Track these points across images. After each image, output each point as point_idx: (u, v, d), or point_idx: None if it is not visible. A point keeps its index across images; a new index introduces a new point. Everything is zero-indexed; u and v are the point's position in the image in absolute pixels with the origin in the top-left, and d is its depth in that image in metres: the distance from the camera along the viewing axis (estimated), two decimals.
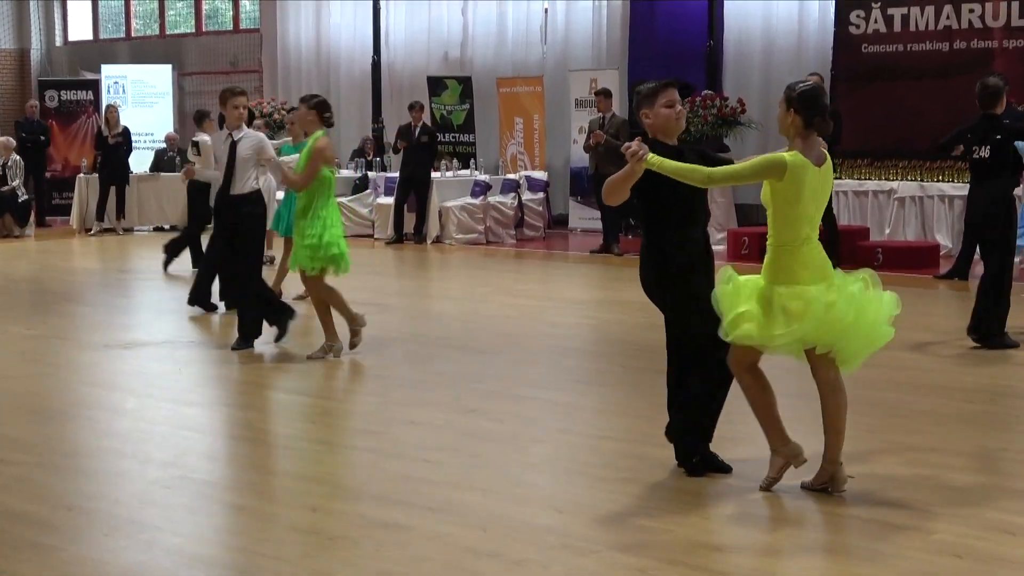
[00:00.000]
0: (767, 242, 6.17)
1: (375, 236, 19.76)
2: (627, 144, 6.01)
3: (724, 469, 6.53)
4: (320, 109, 9.96)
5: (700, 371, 6.42)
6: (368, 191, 20.30)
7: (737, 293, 6.10)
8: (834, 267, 6.13)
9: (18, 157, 21.27)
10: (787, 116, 6.11)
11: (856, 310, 6.02)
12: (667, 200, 6.34)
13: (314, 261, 9.80)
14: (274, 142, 17.10)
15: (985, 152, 10.45)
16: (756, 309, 6.03)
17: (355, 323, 10.10)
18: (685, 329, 6.43)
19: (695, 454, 6.52)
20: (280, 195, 16.52)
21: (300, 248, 9.84)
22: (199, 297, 12.36)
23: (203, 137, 15.33)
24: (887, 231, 17.26)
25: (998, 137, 10.43)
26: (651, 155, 5.96)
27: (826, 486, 6.15)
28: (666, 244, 6.40)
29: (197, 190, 14.19)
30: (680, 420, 6.54)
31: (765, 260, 6.15)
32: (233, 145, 10.14)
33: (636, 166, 5.96)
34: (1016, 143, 10.56)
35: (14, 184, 20.73)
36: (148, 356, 10.33)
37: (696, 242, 6.47)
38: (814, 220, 6.10)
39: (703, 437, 6.54)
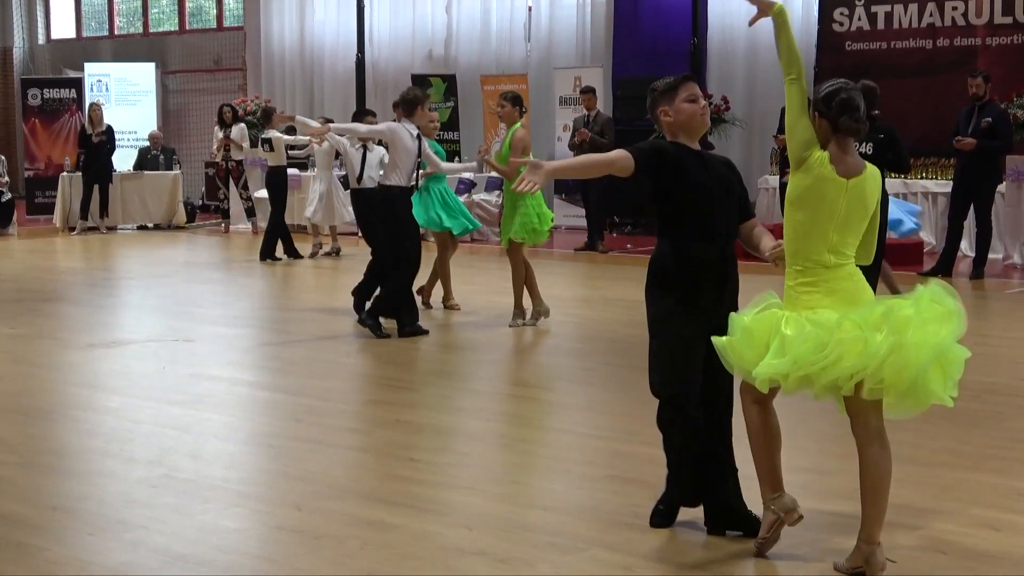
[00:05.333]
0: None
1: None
2: None
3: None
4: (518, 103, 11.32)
5: (661, 425, 5.68)
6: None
7: (749, 335, 5.15)
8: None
9: (1, 156, 21.23)
10: (818, 123, 5.19)
11: (901, 333, 4.91)
12: (681, 206, 5.56)
13: (525, 235, 11.21)
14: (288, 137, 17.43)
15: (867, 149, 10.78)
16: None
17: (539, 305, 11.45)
18: (651, 360, 5.65)
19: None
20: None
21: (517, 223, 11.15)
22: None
23: (274, 133, 16.98)
24: None
25: (880, 136, 10.64)
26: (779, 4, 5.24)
27: (860, 570, 5.15)
28: (668, 255, 5.58)
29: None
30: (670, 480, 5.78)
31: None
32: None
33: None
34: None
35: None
36: (132, 355, 10.31)
37: (705, 262, 5.53)
38: (835, 245, 5.14)
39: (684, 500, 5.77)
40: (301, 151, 17.72)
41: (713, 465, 5.64)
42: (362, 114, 13.25)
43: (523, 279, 11.31)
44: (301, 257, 17.03)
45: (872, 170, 5.25)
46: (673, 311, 5.52)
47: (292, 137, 17.37)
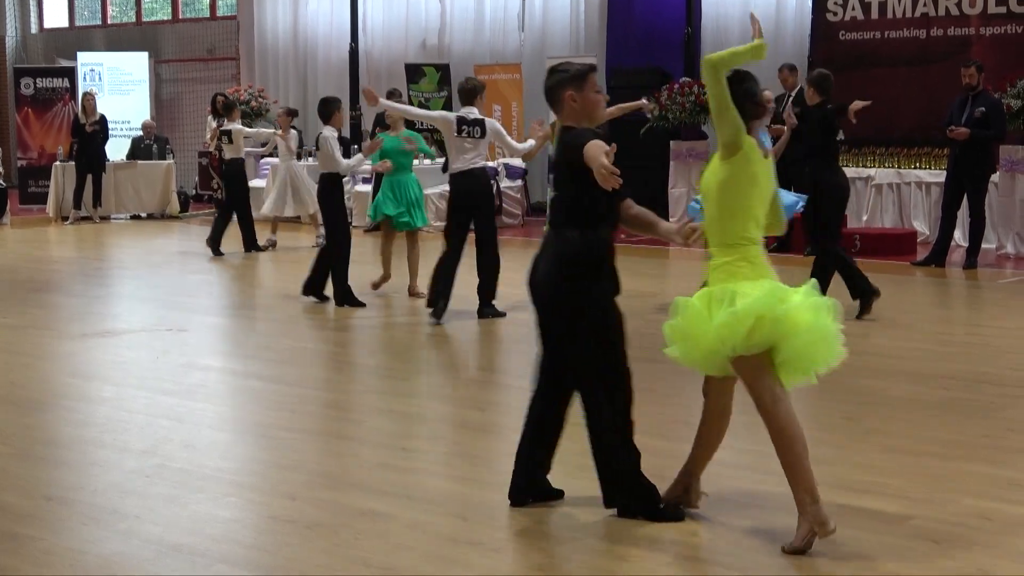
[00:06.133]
0: (709, 247, 5.55)
1: (353, 224, 19.70)
2: None
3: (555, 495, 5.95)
4: None
5: (607, 399, 5.73)
6: (346, 178, 20.25)
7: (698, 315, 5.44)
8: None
9: None
10: None
11: (813, 315, 5.34)
12: (603, 191, 5.51)
13: None
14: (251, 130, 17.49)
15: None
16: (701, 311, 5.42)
17: None
18: (584, 348, 5.69)
19: (645, 492, 5.78)
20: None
21: None
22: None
23: (235, 125, 16.90)
24: (865, 218, 17.32)
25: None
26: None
27: (678, 499, 5.73)
28: (587, 243, 5.65)
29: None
30: (622, 472, 5.77)
31: (709, 268, 5.54)
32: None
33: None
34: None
35: None
36: (125, 345, 10.30)
37: (611, 246, 5.74)
38: (760, 221, 5.49)
39: (539, 466, 5.94)
40: (263, 148, 17.68)
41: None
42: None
43: None
44: (223, 255, 16.60)
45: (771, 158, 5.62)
46: (609, 302, 5.70)
47: (254, 130, 17.34)
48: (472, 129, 11.12)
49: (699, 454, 5.80)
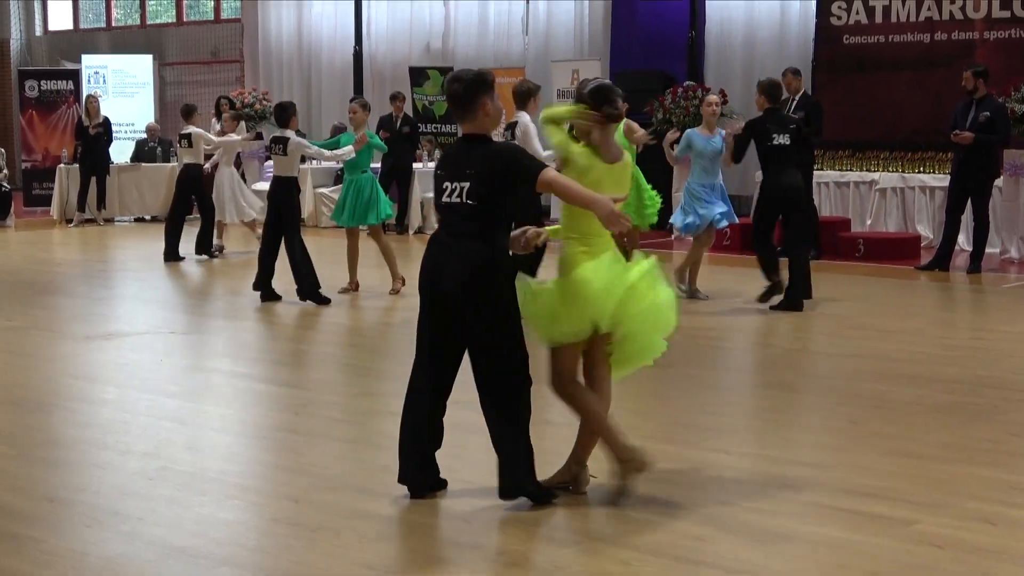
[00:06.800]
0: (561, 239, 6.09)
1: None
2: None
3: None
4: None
5: (519, 396, 6.00)
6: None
7: (534, 298, 6.05)
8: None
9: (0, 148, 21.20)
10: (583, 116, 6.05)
11: (650, 301, 5.97)
12: (513, 203, 5.96)
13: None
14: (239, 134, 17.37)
15: (785, 139, 11.63)
16: (548, 301, 6.02)
17: None
18: (511, 351, 5.97)
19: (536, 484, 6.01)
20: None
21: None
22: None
23: (193, 128, 16.63)
24: (868, 222, 17.31)
25: (792, 126, 11.77)
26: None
27: (567, 485, 6.12)
28: (504, 253, 5.89)
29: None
30: (520, 460, 6.00)
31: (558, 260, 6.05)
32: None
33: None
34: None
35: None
36: (129, 347, 10.30)
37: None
38: None
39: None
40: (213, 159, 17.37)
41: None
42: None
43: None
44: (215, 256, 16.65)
45: (627, 162, 6.08)
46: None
47: (220, 139, 17.05)
48: (507, 133, 11.18)
49: (584, 441, 6.16)
